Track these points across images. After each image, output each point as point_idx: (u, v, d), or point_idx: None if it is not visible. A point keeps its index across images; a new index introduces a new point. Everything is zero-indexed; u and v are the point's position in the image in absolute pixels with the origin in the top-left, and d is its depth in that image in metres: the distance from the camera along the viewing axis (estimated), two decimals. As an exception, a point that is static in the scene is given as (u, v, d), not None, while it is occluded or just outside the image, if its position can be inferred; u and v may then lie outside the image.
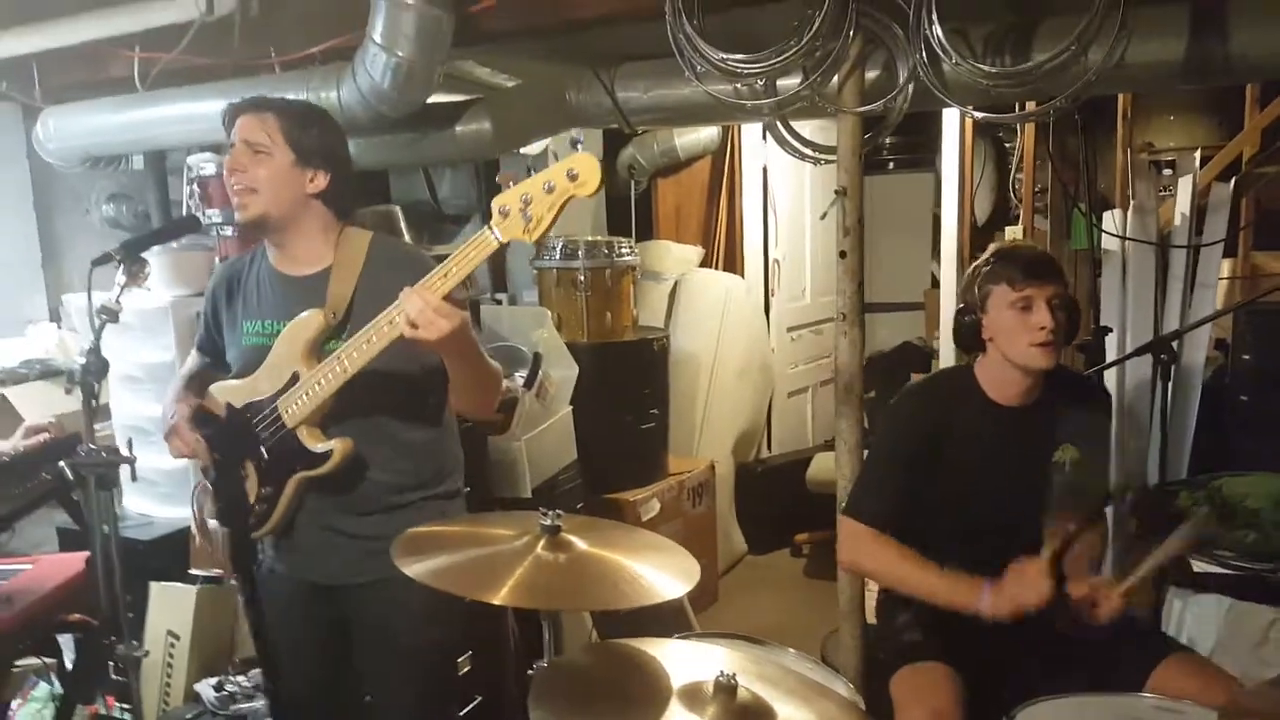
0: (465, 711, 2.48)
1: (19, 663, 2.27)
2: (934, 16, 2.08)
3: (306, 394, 1.68)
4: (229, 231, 2.70)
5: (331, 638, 1.87)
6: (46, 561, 2.26)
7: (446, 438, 1.92)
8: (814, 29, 2.12)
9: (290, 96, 2.74)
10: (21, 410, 3.09)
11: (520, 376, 3.04)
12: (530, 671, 1.56)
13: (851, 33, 2.14)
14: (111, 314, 1.59)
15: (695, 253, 4.45)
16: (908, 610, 1.95)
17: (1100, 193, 3.63)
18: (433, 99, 2.86)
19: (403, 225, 3.33)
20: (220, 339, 1.91)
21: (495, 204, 1.52)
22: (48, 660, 2.24)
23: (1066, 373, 2.02)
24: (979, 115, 2.38)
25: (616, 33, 2.75)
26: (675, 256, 4.34)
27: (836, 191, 2.21)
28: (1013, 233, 4.34)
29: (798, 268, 4.86)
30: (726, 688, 1.33)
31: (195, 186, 2.76)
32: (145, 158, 3.82)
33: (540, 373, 3.02)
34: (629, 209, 4.30)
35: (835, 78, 2.22)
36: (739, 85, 2.38)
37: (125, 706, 2.55)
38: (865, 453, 2.15)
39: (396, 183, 4.22)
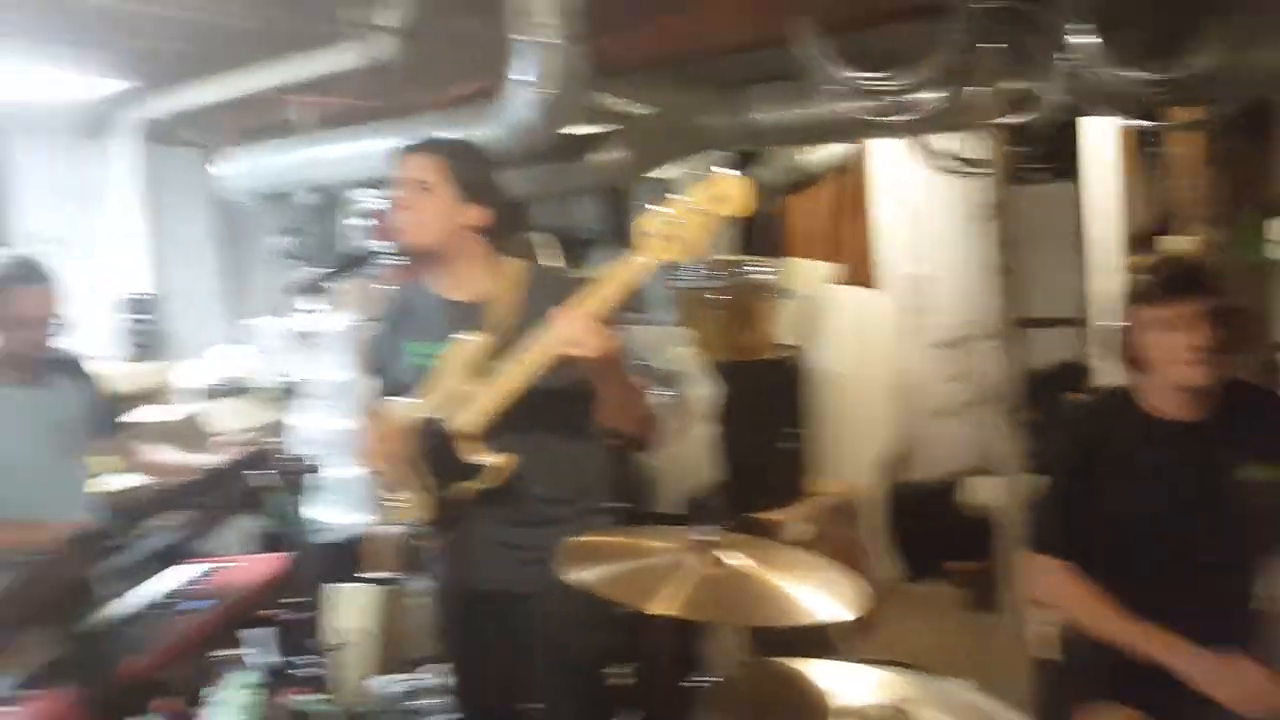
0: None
1: (216, 653, 2.47)
2: (1077, 24, 2.02)
3: (468, 412, 1.79)
4: (394, 261, 2.88)
5: (500, 640, 1.96)
6: (250, 561, 2.48)
7: (598, 451, 2.01)
8: (952, 43, 2.10)
9: (446, 134, 2.96)
10: (208, 426, 3.38)
11: (661, 394, 3.11)
12: (689, 685, 1.60)
13: (989, 46, 2.11)
14: (308, 339, 1.74)
15: (829, 269, 4.42)
16: (1096, 647, 1.81)
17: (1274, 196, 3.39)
18: (570, 130, 2.98)
19: (552, 251, 3.47)
20: (388, 360, 2.05)
21: (641, 225, 1.57)
22: (242, 651, 2.42)
23: (1249, 385, 1.87)
24: (1131, 122, 2.29)
25: (748, 57, 2.81)
26: (810, 273, 4.32)
27: (991, 208, 2.17)
28: (1171, 244, 4.10)
29: (943, 282, 4.72)
30: (900, 713, 1.33)
31: (363, 219, 2.96)
32: (314, 193, 4.13)
33: (680, 391, 3.08)
34: (761, 228, 4.32)
35: (973, 91, 2.19)
36: (873, 102, 2.38)
37: (313, 699, 2.75)
38: (1031, 478, 2.07)
39: (539, 209, 4.38)
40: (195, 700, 2.47)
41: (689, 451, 3.16)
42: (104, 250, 3.94)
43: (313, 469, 1.74)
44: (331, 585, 2.09)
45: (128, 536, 1.80)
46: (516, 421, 1.81)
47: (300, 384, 1.75)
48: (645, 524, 2.74)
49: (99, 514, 1.79)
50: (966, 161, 2.55)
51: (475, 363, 1.82)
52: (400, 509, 1.97)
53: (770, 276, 3.63)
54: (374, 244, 2.94)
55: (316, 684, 2.64)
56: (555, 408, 1.86)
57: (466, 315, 1.88)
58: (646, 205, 1.59)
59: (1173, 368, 1.75)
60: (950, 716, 1.39)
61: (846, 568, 1.63)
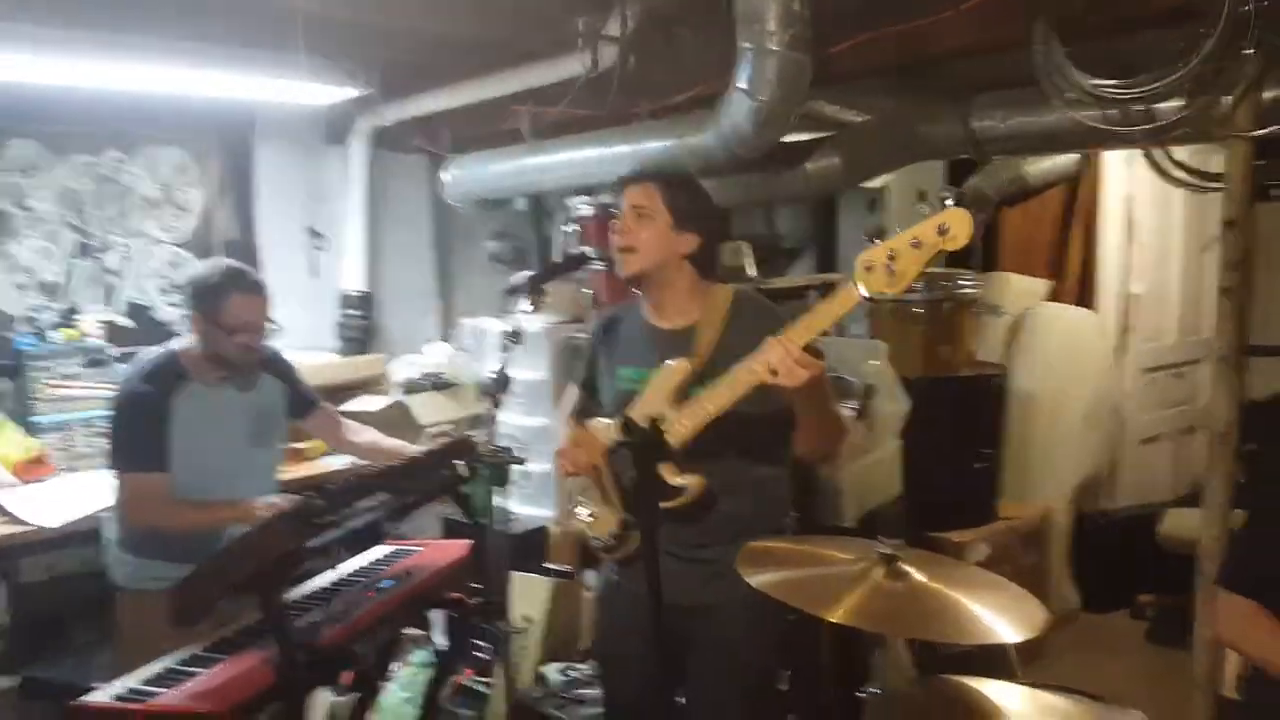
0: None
1: (402, 630, 2.64)
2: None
3: (669, 433, 1.83)
4: (599, 267, 3.00)
5: (664, 652, 2.03)
6: (436, 545, 2.60)
7: (784, 475, 2.05)
8: (1206, 49, 1.95)
9: (660, 144, 3.04)
10: (418, 415, 3.62)
11: (850, 408, 3.08)
12: (859, 695, 1.60)
13: (1251, 50, 1.95)
14: (517, 337, 1.88)
15: (1042, 286, 4.20)
16: (1275, 691, 1.71)
17: None
18: (785, 138, 2.98)
19: (750, 259, 3.51)
20: (598, 379, 2.16)
21: (860, 260, 1.59)
22: (424, 631, 2.59)
23: None
24: None
25: (971, 64, 2.72)
26: (1019, 289, 4.13)
27: (1225, 224, 2.02)
28: None
29: (1161, 304, 4.39)
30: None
31: (574, 225, 3.10)
32: (528, 200, 4.35)
33: (870, 404, 3.04)
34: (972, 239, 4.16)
35: (1226, 100, 2.03)
36: (1110, 111, 2.25)
37: (483, 680, 2.92)
38: (1241, 514, 1.92)
39: (737, 218, 4.44)
40: (381, 674, 2.65)
41: (877, 466, 3.11)
42: (334, 248, 4.28)
43: (519, 460, 1.86)
44: (513, 573, 2.19)
45: (336, 515, 1.90)
46: (713, 444, 1.86)
47: (505, 380, 1.87)
48: (826, 536, 2.74)
49: (309, 493, 1.94)
50: (1206, 175, 2.36)
51: (678, 388, 1.88)
52: (589, 521, 2.06)
53: (976, 291, 3.50)
54: (584, 250, 3.07)
55: (488, 667, 2.80)
56: (752, 432, 1.90)
57: (675, 342, 1.95)
58: (869, 240, 1.60)
59: None
60: None
61: (1025, 591, 1.59)
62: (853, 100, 3.16)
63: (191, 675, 1.85)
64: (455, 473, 2.13)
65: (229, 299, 2.41)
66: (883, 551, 1.60)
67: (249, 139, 3.98)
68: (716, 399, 1.78)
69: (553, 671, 2.85)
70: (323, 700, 3.30)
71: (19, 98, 3.20)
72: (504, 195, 4.27)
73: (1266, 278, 2.08)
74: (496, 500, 1.93)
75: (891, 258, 1.55)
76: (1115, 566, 3.98)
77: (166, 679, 1.84)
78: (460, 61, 3.45)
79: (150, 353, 2.56)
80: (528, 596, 3.00)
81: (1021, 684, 1.77)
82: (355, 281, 4.28)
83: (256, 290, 2.47)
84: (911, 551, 1.65)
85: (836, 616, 1.47)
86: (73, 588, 2.96)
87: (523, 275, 2.03)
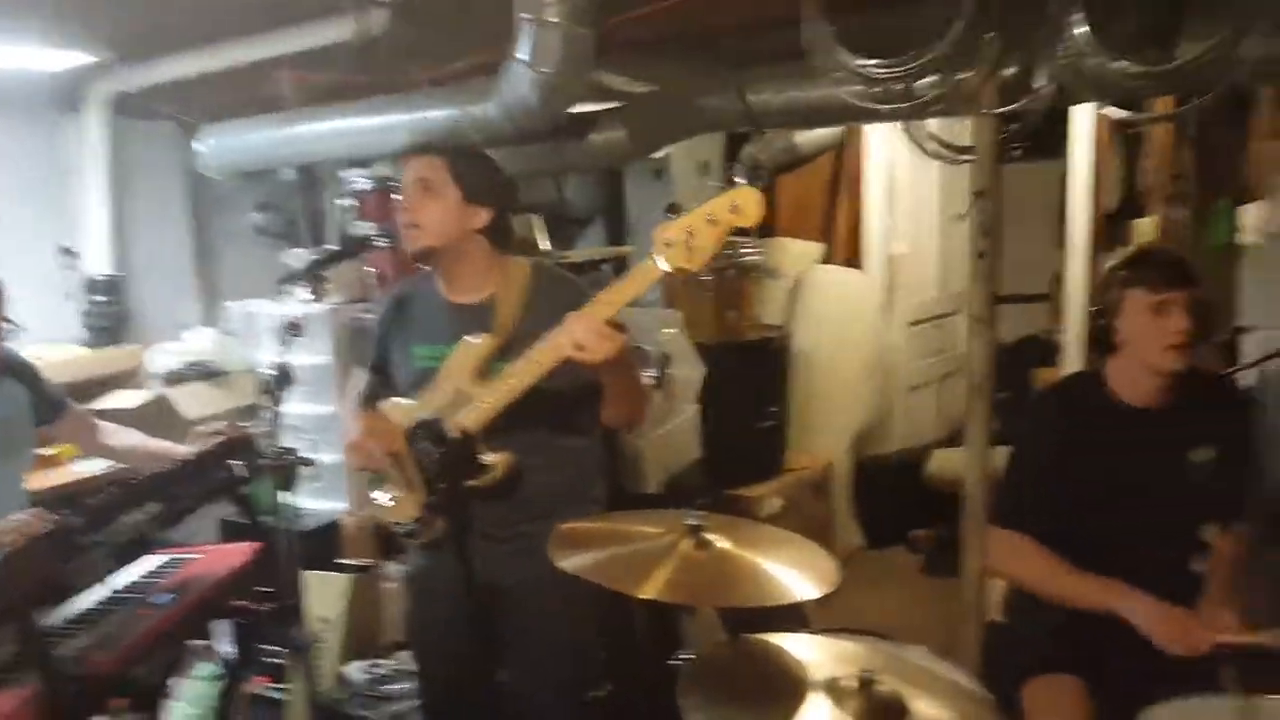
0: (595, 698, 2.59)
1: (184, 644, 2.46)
2: (1077, 14, 2.05)
3: (474, 412, 1.81)
4: (381, 244, 2.87)
5: (479, 633, 1.98)
6: (215, 552, 2.44)
7: (595, 447, 2.05)
8: (953, 31, 2.11)
9: (442, 113, 2.93)
10: (181, 409, 3.35)
11: (649, 376, 3.13)
12: (671, 663, 1.64)
13: (991, 34, 2.13)
14: (298, 329, 1.75)
15: (816, 249, 4.46)
16: (1043, 617, 1.94)
17: (1241, 181, 3.46)
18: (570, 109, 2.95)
19: (542, 232, 3.47)
20: (390, 359, 2.06)
21: (659, 235, 1.61)
22: (209, 642, 2.42)
23: (1201, 373, 1.99)
24: (1125, 114, 2.33)
25: (748, 38, 2.80)
26: (796, 253, 4.36)
27: (976, 194, 2.21)
28: (1145, 226, 4.17)
29: (922, 262, 4.78)
30: (867, 683, 1.38)
31: (350, 200, 2.94)
32: (298, 171, 4.07)
33: (668, 372, 3.11)
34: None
35: (973, 79, 2.21)
36: (873, 88, 2.39)
37: (279, 687, 2.77)
38: (1001, 456, 2.14)
39: (525, 187, 4.37)
40: (161, 692, 2.47)
41: (676, 432, 3.20)
42: (70, 229, 3.84)
43: (308, 461, 1.74)
44: (306, 573, 2.08)
45: (98, 533, 1.77)
46: (518, 420, 1.84)
47: (286, 375, 1.74)
48: (632, 505, 2.80)
49: (72, 508, 1.76)
50: (956, 149, 2.58)
51: (480, 364, 1.84)
52: (388, 507, 1.99)
53: (758, 257, 3.66)
54: (363, 227, 2.92)
55: (282, 673, 2.66)
56: (559, 405, 1.89)
57: (472, 317, 1.90)
58: (667, 215, 1.61)
59: (1155, 352, 1.84)
60: (908, 683, 1.43)
61: (816, 541, 1.69)
62: (637, 71, 3.18)
63: None
64: (233, 473, 1.99)
65: None
66: (689, 523, 1.64)
67: None
68: (521, 374, 1.76)
69: (355, 671, 2.74)
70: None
71: None
72: (269, 166, 3.97)
73: (1010, 231, 2.30)
74: (283, 497, 1.80)
75: (690, 233, 1.57)
76: (891, 506, 4.35)
77: None
78: (215, 23, 3.15)
79: None
80: (323, 596, 2.89)
81: (818, 632, 1.89)
82: (101, 264, 3.84)
83: None
84: (716, 518, 1.70)
85: (647, 593, 1.49)
86: None
87: (301, 259, 1.89)
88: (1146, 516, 1.85)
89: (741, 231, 2.04)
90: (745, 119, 2.96)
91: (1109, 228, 4.39)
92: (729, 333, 3.58)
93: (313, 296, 1.81)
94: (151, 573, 2.30)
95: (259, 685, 2.70)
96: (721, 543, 1.63)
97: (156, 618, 2.03)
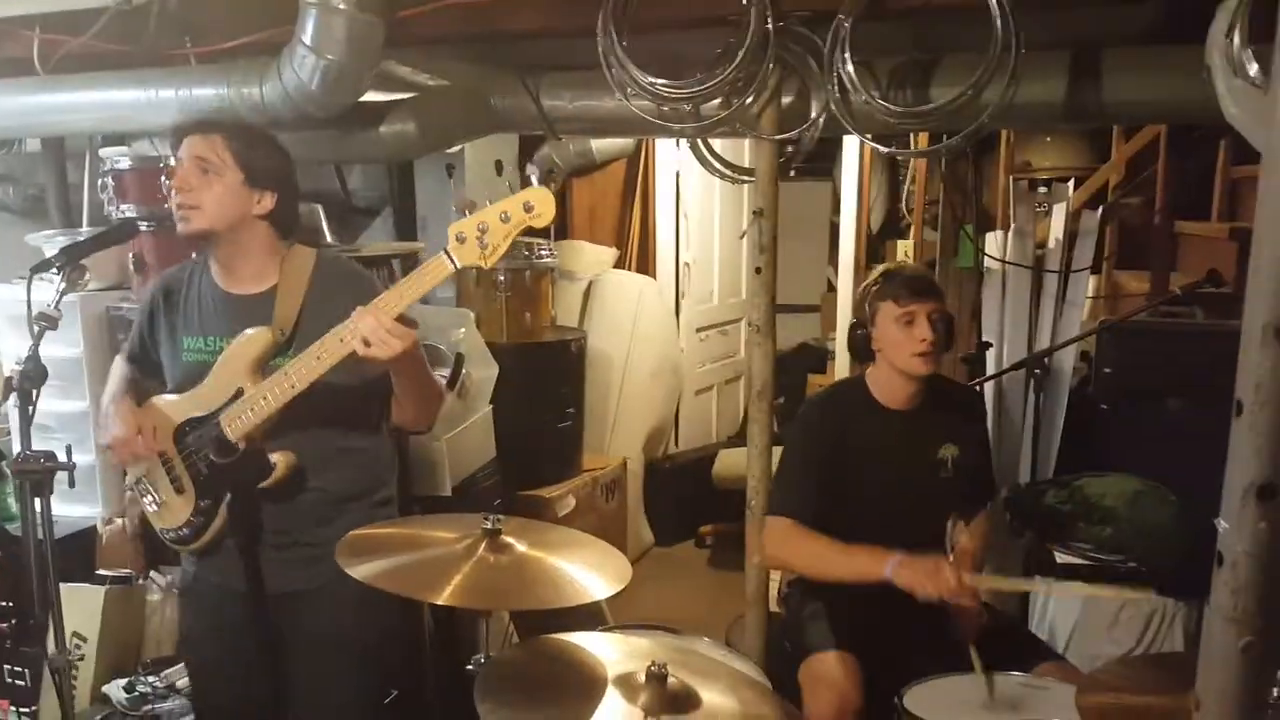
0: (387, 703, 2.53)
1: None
2: (845, 53, 2.24)
3: (252, 409, 1.72)
4: (144, 226, 2.66)
5: (260, 644, 1.90)
6: None
7: (383, 447, 1.99)
8: (737, 59, 2.25)
9: (212, 90, 2.75)
10: None
11: (442, 376, 3.09)
12: (467, 667, 1.65)
13: (770, 64, 2.28)
14: (51, 321, 1.59)
15: (609, 254, 4.57)
16: (814, 602, 2.13)
17: (985, 210, 3.92)
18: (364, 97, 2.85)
19: (324, 223, 3.32)
20: (155, 351, 1.92)
21: (452, 230, 1.60)
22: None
23: (945, 380, 2.29)
24: (884, 150, 2.58)
25: (544, 43, 2.83)
26: (590, 257, 4.45)
27: (755, 213, 2.36)
28: (904, 246, 4.63)
29: (706, 271, 5.04)
30: (658, 677, 1.45)
31: (109, 180, 2.70)
32: (43, 142, 3.66)
33: (462, 372, 3.08)
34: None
35: (754, 105, 2.36)
36: (663, 106, 2.49)
37: (24, 711, 2.50)
38: (778, 457, 2.31)
39: (305, 174, 4.16)
40: None
41: (470, 433, 3.17)
42: None
43: (66, 466, 1.59)
44: (57, 585, 1.90)
45: None
46: (302, 418, 1.77)
47: (40, 372, 1.58)
48: (425, 508, 2.75)
49: None
50: (737, 169, 2.74)
51: (258, 359, 1.75)
52: (156, 509, 1.87)
53: (553, 259, 3.70)
54: (121, 207, 2.68)
55: (29, 696, 2.42)
56: (344, 405, 1.83)
57: (250, 309, 1.80)
58: (459, 212, 1.60)
59: (904, 358, 2.08)
60: (696, 674, 1.51)
61: (609, 540, 1.77)
62: (430, 65, 3.12)
63: None
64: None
65: None
66: (486, 526, 1.65)
67: None
68: (303, 371, 1.68)
69: (116, 689, 2.52)
70: None
71: None
72: (11, 135, 3.57)
73: (786, 245, 2.47)
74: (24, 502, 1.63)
75: (482, 230, 1.58)
76: (680, 504, 4.57)
77: None
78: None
79: None
80: (78, 609, 2.62)
81: (610, 629, 1.96)
82: None
83: None
84: (513, 521, 1.72)
85: (443, 599, 1.50)
86: None
87: (52, 241, 1.72)
88: (901, 505, 2.09)
89: (537, 232, 2.08)
90: (538, 123, 2.99)
91: (873, 246, 4.84)
92: (524, 334, 3.59)
93: (67, 285, 1.64)
94: None
95: (6, 709, 2.49)
96: (519, 545, 1.65)
97: None
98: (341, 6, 2.32)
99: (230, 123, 1.87)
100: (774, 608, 2.50)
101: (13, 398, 1.52)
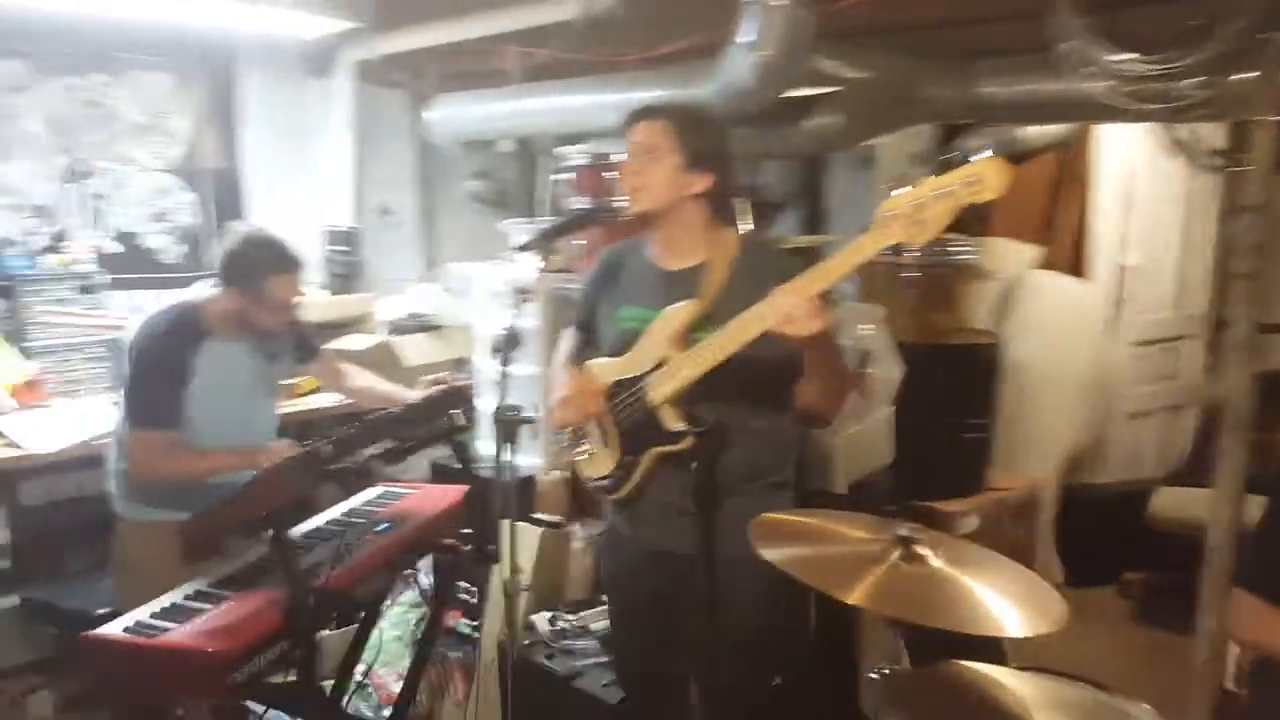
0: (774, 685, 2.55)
1: (394, 573, 2.63)
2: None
3: (672, 377, 1.82)
4: (600, 218, 2.92)
5: (665, 599, 2.01)
6: (428, 490, 2.61)
7: (786, 430, 2.01)
8: (1234, 28, 1.90)
9: (657, 92, 2.96)
10: (405, 357, 3.62)
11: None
12: (872, 675, 1.59)
13: (1274, 33, 1.90)
14: (529, 295, 1.81)
15: (1033, 252, 4.17)
16: None
17: None
18: (786, 93, 2.90)
19: (750, 216, 3.43)
20: (596, 319, 2.10)
21: (883, 209, 1.54)
22: (416, 573, 2.59)
23: None
24: None
25: (978, 29, 2.65)
26: (1011, 256, 4.09)
27: (1246, 207, 1.98)
28: None
29: (1154, 276, 4.38)
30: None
31: (567, 175, 3.02)
32: (516, 143, 4.24)
33: (866, 370, 3.01)
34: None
35: (1247, 82, 1.98)
36: (1129, 86, 2.19)
37: (472, 623, 2.92)
38: (1255, 507, 1.90)
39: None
40: (375, 614, 2.66)
41: (869, 433, 3.09)
42: (316, 184, 4.20)
43: (530, 420, 1.82)
44: (503, 521, 2.19)
45: (345, 462, 1.93)
46: (715, 391, 1.83)
47: (515, 338, 1.82)
48: (818, 503, 2.73)
49: (320, 439, 1.94)
50: (1224, 154, 2.32)
51: (682, 331, 1.84)
52: (583, 462, 2.04)
53: (971, 256, 3.46)
54: (592, 205, 2.98)
55: (476, 611, 2.81)
56: (755, 382, 1.86)
57: (681, 283, 1.90)
58: (893, 187, 1.55)
59: None
60: None
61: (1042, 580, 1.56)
62: (855, 58, 3.07)
63: (200, 612, 1.88)
64: (453, 421, 2.14)
65: (268, 280, 2.38)
66: (900, 533, 1.57)
67: (231, 68, 3.89)
68: (722, 344, 1.74)
69: (542, 620, 2.84)
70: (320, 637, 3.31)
71: (6, 17, 3.20)
72: (490, 137, 4.17)
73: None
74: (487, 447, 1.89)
75: (917, 206, 1.49)
76: (1099, 542, 3.99)
77: (175, 614, 1.87)
78: (452, -2, 3.32)
79: (172, 304, 2.54)
80: (520, 545, 2.98)
81: (1025, 669, 1.75)
82: (341, 217, 4.19)
83: (294, 268, 2.44)
84: (930, 534, 1.62)
85: (853, 599, 1.44)
86: (70, 512, 3.01)
87: (530, 228, 1.95)
88: None
89: (953, 227, 1.92)
90: (969, 110, 2.81)
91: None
92: (934, 334, 3.40)
93: (542, 265, 1.86)
94: (372, 502, 2.51)
95: (454, 619, 2.92)
96: (933, 558, 1.55)
97: (378, 543, 2.20)
98: (777, 3, 2.36)
99: (676, 108, 1.96)
100: (1231, 686, 2.08)
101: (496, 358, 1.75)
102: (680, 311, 1.85)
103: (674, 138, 1.87)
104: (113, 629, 1.81)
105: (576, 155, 3.07)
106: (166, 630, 1.79)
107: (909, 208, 1.51)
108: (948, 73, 2.84)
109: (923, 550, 1.56)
